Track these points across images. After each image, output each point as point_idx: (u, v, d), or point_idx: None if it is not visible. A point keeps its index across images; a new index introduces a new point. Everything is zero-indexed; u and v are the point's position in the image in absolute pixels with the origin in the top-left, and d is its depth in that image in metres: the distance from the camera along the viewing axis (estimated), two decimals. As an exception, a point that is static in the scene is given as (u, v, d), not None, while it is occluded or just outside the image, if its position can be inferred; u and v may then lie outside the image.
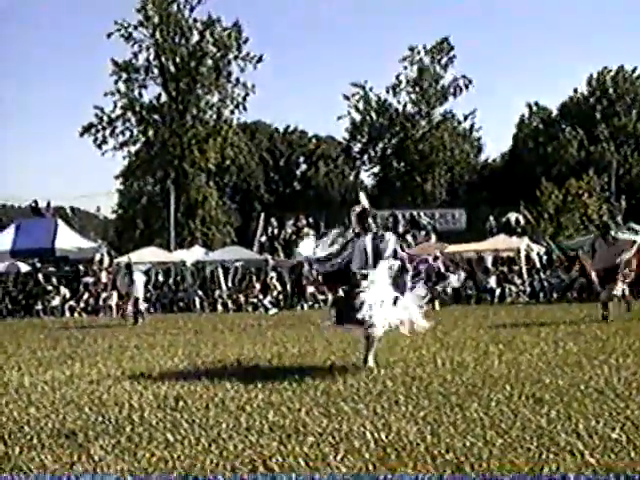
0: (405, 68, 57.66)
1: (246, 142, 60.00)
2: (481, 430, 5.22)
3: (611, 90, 59.21)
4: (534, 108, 61.89)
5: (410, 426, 5.43)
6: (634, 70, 59.41)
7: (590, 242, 15.81)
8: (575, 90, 60.70)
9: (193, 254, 34.01)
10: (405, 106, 58.92)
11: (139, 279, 21.76)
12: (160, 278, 31.97)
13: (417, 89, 58.11)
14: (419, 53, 57.59)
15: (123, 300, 23.10)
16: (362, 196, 9.54)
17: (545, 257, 31.02)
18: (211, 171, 53.19)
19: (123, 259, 27.03)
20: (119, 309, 25.50)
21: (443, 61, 57.75)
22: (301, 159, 68.24)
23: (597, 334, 11.96)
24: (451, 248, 30.50)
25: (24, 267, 32.15)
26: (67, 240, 33.48)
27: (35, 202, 39.13)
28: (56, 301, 30.13)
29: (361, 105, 60.34)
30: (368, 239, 8.93)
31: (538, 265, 29.80)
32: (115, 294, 26.38)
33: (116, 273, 24.81)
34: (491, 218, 36.22)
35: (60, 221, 36.26)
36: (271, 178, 65.87)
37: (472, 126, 60.78)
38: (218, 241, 51.13)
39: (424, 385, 7.22)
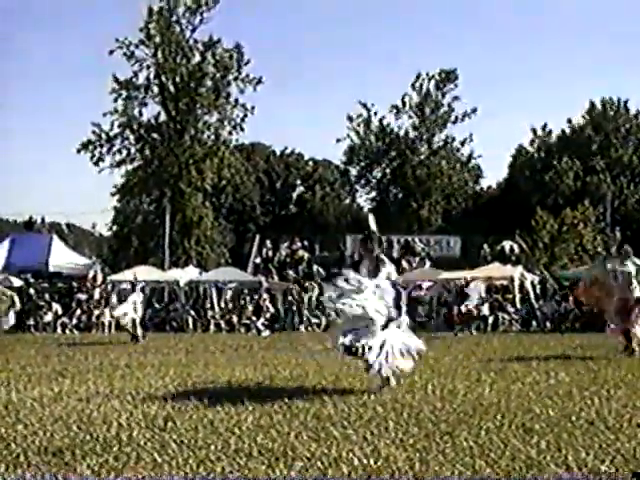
0: (413, 89, 58.17)
1: (243, 163, 60.16)
2: (470, 459, 5.18)
3: (606, 122, 59.50)
4: (539, 132, 61.91)
5: (399, 453, 5.40)
6: (626, 102, 59.80)
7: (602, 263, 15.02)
8: (569, 120, 61.06)
9: (187, 274, 33.96)
10: (407, 133, 59.19)
11: (133, 299, 21.21)
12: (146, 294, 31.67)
13: (419, 113, 58.41)
14: (423, 81, 58.08)
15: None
16: (371, 219, 9.39)
17: (539, 286, 31.05)
18: (207, 191, 53.26)
19: (128, 276, 24.79)
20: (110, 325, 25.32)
21: (447, 89, 58.14)
22: (298, 182, 68.36)
23: (589, 365, 11.93)
24: (445, 275, 30.56)
25: (17, 282, 32.04)
26: (61, 256, 33.52)
27: (30, 217, 39.18)
28: (48, 317, 30.02)
29: (361, 129, 60.59)
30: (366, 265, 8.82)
31: (532, 294, 29.82)
32: (107, 311, 26.20)
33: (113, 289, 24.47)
34: (485, 246, 36.26)
35: (55, 237, 36.32)
36: (267, 200, 65.98)
37: (471, 154, 61.02)
38: (212, 261, 51.10)
39: (414, 412, 7.18)
